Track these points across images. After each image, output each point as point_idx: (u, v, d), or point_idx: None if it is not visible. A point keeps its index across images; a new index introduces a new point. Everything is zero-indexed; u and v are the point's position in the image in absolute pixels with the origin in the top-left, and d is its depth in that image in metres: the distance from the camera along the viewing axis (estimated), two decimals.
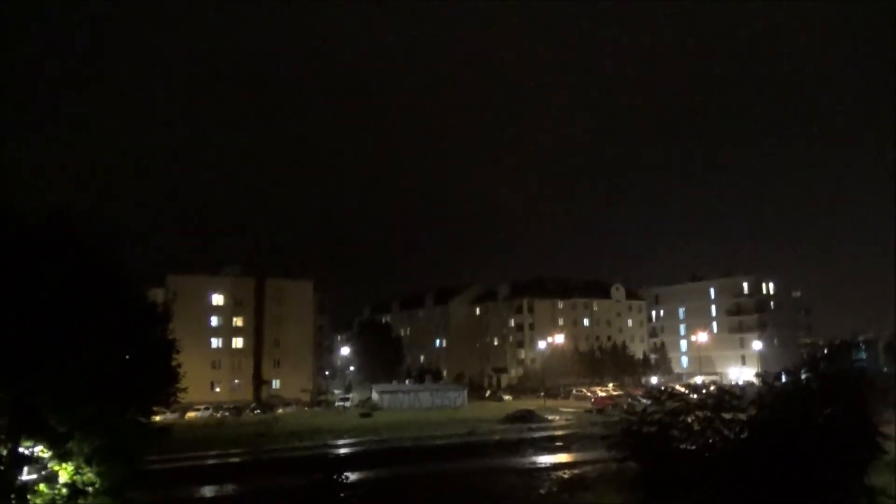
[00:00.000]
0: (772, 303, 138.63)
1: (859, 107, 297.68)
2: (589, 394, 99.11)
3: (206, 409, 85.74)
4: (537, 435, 61.15)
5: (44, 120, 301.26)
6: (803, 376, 19.17)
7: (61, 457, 20.84)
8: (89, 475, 20.95)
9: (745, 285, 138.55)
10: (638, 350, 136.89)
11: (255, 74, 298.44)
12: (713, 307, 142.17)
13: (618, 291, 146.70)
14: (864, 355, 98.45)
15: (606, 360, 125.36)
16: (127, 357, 23.92)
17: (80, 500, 20.85)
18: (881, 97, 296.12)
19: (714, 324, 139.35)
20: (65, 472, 20.87)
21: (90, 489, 20.98)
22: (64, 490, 20.80)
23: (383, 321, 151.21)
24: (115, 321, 22.59)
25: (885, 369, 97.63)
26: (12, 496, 19.98)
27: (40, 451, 21.34)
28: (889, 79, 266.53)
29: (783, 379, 20.28)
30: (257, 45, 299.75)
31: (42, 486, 20.88)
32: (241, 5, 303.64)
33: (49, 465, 21.23)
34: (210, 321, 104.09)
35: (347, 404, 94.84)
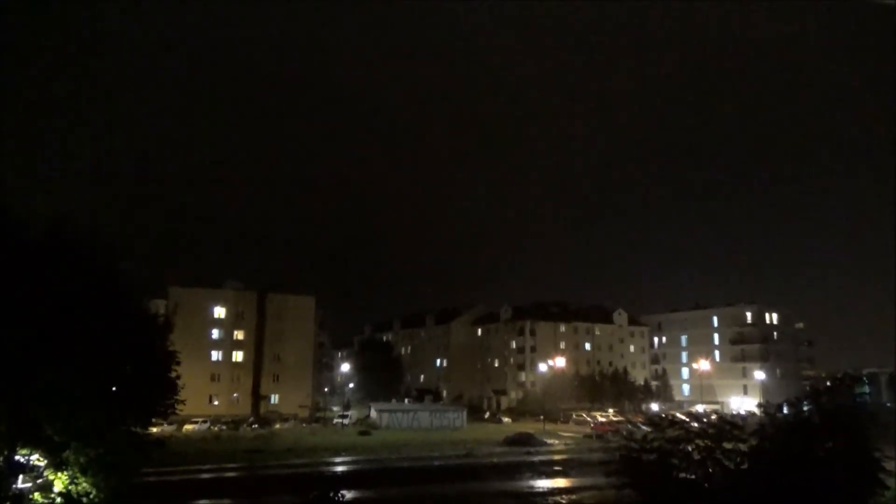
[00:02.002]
0: (775, 333, 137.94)
1: (863, 142, 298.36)
2: (589, 419, 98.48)
3: (204, 422, 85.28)
4: (536, 459, 60.67)
5: (45, 129, 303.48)
6: (805, 409, 19.10)
7: (57, 466, 20.78)
8: (84, 485, 20.87)
9: (749, 315, 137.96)
10: (639, 376, 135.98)
11: (259, 90, 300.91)
12: (716, 336, 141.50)
13: (620, 317, 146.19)
14: (867, 389, 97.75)
15: (607, 385, 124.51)
16: (126, 368, 23.88)
17: None
18: (884, 129, 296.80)
19: (716, 352, 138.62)
20: (60, 482, 20.80)
21: (84, 499, 20.88)
22: (59, 499, 20.72)
23: (384, 339, 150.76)
24: (115, 332, 22.59)
25: (889, 404, 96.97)
26: None
27: (36, 459, 21.27)
28: (891, 109, 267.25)
29: (785, 410, 20.22)
30: (261, 59, 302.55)
31: (37, 495, 20.80)
32: (244, 22, 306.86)
33: (44, 474, 21.17)
34: (211, 334, 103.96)
35: (346, 422, 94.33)
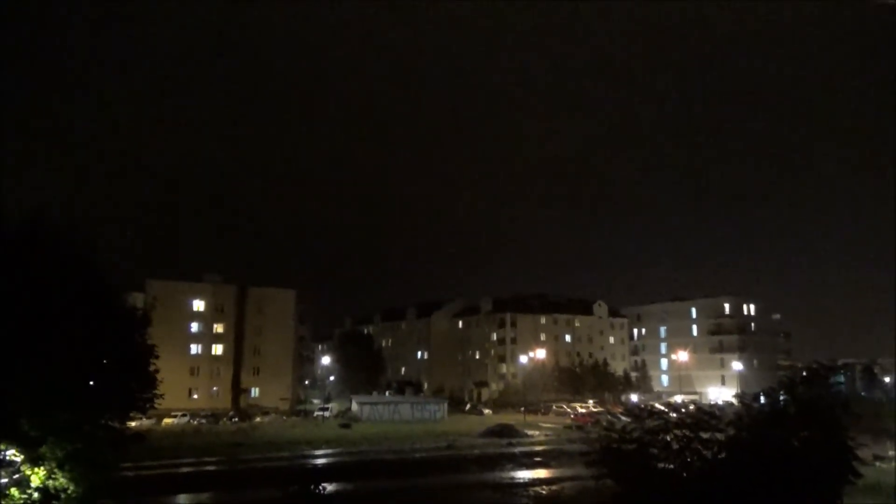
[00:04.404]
0: (752, 324, 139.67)
1: (846, 136, 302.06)
2: (569, 410, 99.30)
3: (184, 415, 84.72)
4: (516, 450, 61.11)
5: (25, 120, 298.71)
6: (782, 399, 19.36)
7: (33, 461, 20.53)
8: (61, 480, 20.64)
9: (727, 306, 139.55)
10: (619, 367, 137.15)
11: (248, 84, 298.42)
12: (694, 327, 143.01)
13: (600, 308, 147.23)
14: (842, 379, 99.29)
15: (587, 376, 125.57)
16: (104, 361, 23.62)
17: None
18: (864, 124, 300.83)
19: (695, 343, 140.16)
20: (37, 477, 20.55)
21: (62, 495, 20.67)
22: (35, 494, 20.49)
23: (365, 332, 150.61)
24: (92, 325, 22.32)
25: (863, 393, 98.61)
26: None
27: (12, 454, 21.01)
28: (874, 101, 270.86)
29: (762, 400, 20.48)
30: (251, 55, 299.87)
31: (13, 490, 20.55)
32: (237, 17, 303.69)
33: (21, 469, 20.90)
34: (190, 327, 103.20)
35: (326, 415, 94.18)
